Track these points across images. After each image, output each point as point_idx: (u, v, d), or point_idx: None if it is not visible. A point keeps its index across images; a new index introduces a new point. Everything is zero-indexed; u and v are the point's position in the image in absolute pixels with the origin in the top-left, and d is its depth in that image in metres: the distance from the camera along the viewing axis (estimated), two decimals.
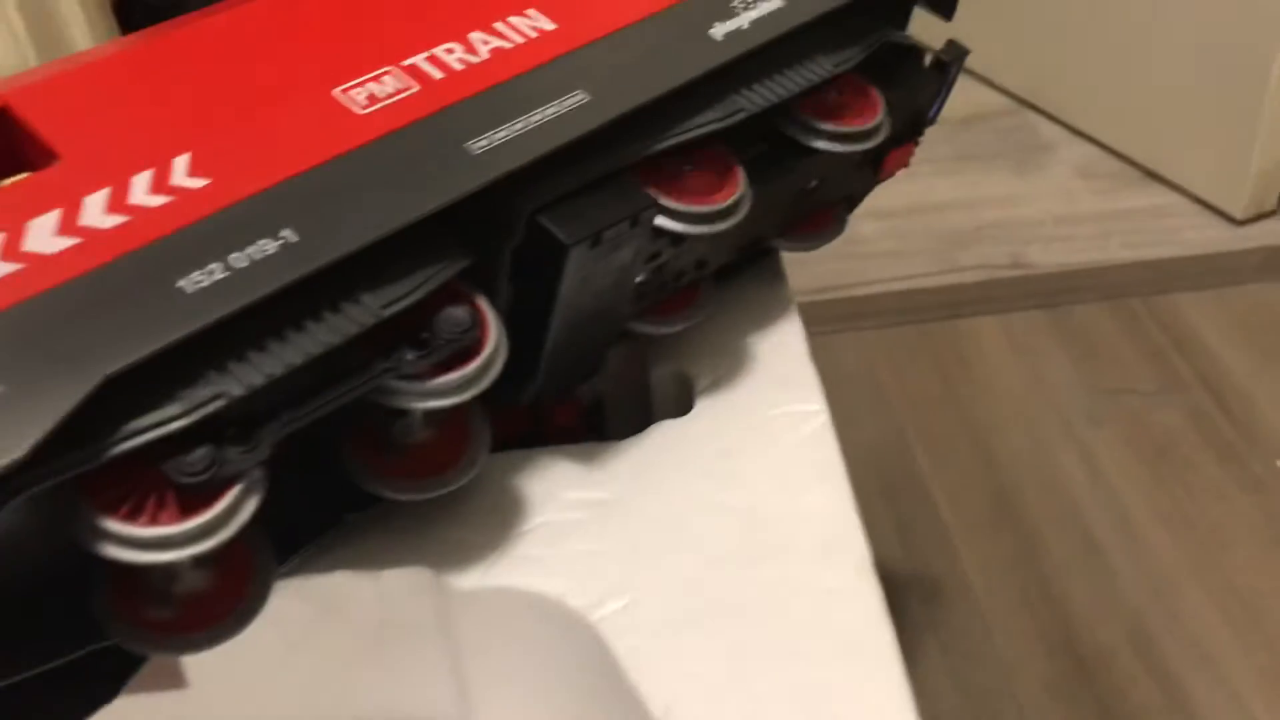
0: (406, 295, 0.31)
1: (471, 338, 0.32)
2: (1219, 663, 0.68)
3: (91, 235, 0.29)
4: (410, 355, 0.31)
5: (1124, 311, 0.96)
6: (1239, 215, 1.05)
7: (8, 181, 0.31)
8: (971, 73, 1.28)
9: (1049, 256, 1.03)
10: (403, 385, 0.32)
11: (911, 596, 0.73)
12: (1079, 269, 1.01)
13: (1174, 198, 1.09)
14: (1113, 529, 0.77)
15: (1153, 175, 1.11)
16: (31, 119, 0.32)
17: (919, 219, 1.09)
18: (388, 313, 0.30)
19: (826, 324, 0.96)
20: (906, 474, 0.82)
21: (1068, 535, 0.76)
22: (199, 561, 0.32)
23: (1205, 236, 1.05)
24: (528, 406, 0.46)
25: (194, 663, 0.38)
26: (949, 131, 1.21)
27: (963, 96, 1.28)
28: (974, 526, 0.78)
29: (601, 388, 0.46)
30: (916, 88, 0.45)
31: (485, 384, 0.33)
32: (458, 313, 0.32)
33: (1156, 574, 0.74)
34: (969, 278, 1.01)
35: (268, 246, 0.30)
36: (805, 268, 1.03)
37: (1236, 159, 1.04)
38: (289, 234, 0.30)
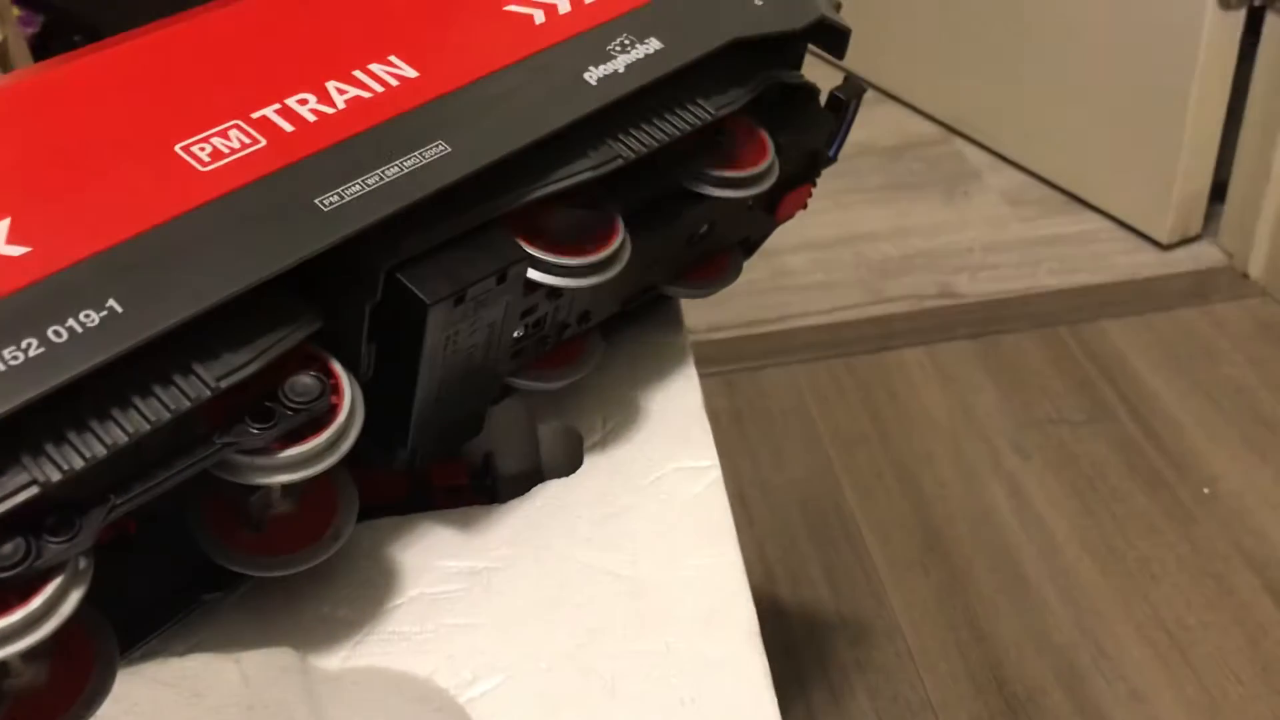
0: (245, 365, 0.29)
1: (321, 406, 0.30)
2: (1148, 700, 0.68)
3: None
4: (254, 428, 0.29)
5: (1052, 340, 0.96)
6: (1165, 240, 1.06)
7: None
8: (901, 101, 1.28)
9: (977, 285, 1.03)
10: (247, 460, 0.30)
11: (838, 639, 0.72)
12: (1007, 297, 1.01)
13: (1101, 223, 1.09)
14: (1041, 563, 0.76)
15: (1079, 201, 1.12)
16: None
17: (848, 249, 1.08)
18: (224, 385, 0.28)
19: (754, 359, 0.95)
20: (834, 512, 0.81)
21: (996, 570, 0.75)
22: (28, 656, 0.29)
23: (1132, 261, 1.05)
24: (404, 471, 0.44)
25: None
26: (878, 161, 1.21)
27: (892, 126, 1.28)
28: (902, 564, 0.76)
29: (489, 445, 0.45)
30: (809, 128, 0.44)
31: (339, 455, 0.31)
32: (305, 380, 0.30)
33: (1086, 608, 0.73)
34: (897, 308, 1.01)
35: (90, 318, 0.27)
36: (732, 301, 1.02)
37: (1161, 184, 1.05)
38: (114, 304, 0.28)
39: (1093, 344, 0.95)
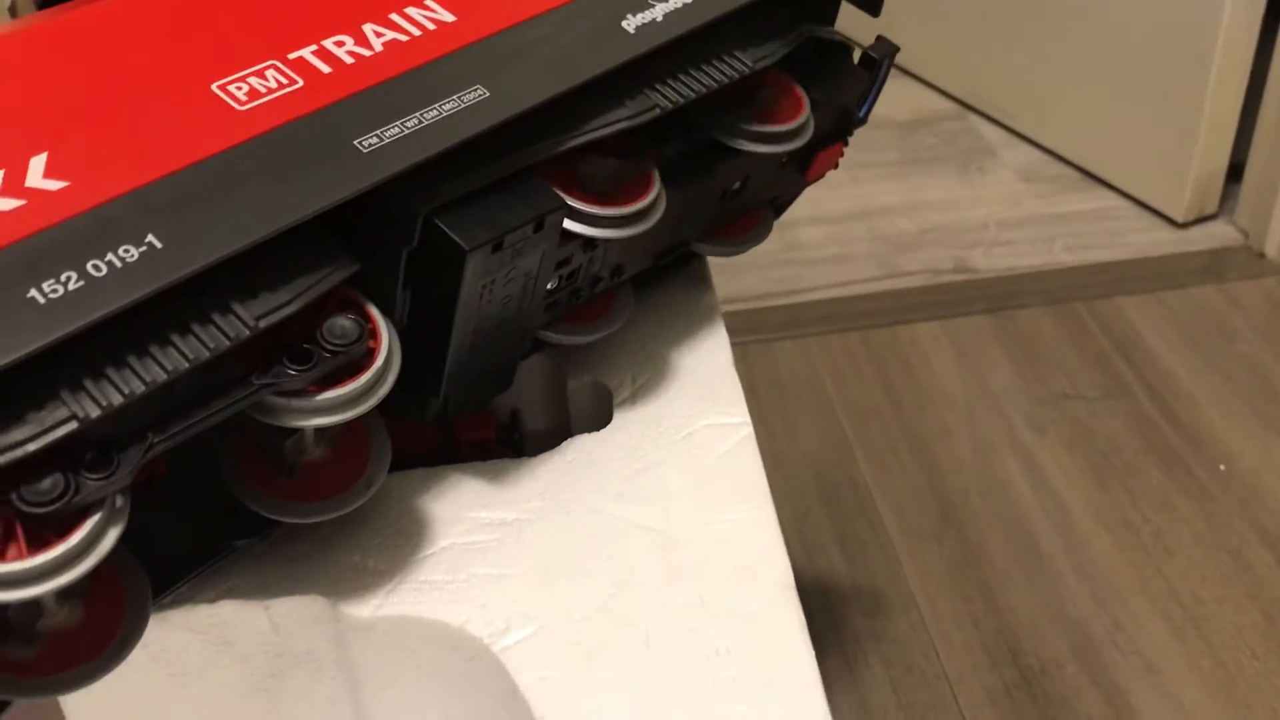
0: (284, 305, 0.28)
1: (360, 349, 0.30)
2: (1163, 673, 0.67)
3: None
4: (291, 370, 0.29)
5: (1067, 315, 0.95)
6: (1181, 218, 1.05)
7: None
8: (916, 77, 1.27)
9: (992, 261, 1.02)
10: (284, 402, 0.29)
11: (853, 609, 0.72)
12: (1022, 273, 1.00)
13: (1116, 201, 1.09)
14: (1057, 537, 0.75)
15: (1095, 178, 1.11)
16: None
17: (862, 224, 1.08)
18: (263, 324, 0.28)
19: (768, 331, 0.95)
20: (849, 484, 0.81)
21: (1011, 544, 0.75)
22: (63, 595, 0.29)
23: (1148, 239, 1.04)
24: (437, 423, 0.43)
25: (75, 702, 0.35)
26: (893, 136, 1.20)
27: (907, 101, 1.27)
28: (917, 536, 0.76)
29: (518, 401, 0.44)
30: (843, 85, 0.44)
31: (376, 399, 0.30)
32: (344, 323, 0.30)
33: (1100, 582, 0.72)
34: (912, 283, 1.00)
35: (130, 253, 0.27)
36: (746, 274, 1.01)
37: (1178, 162, 1.04)
38: (154, 239, 0.28)
39: (1108, 320, 0.94)
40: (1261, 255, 1.02)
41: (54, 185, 0.28)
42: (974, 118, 1.21)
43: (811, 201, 1.11)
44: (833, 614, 0.71)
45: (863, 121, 0.48)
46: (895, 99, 1.25)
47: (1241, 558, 0.74)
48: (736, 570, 0.34)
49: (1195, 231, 1.05)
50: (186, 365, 0.27)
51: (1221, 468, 0.80)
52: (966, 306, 0.97)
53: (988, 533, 0.76)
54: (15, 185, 0.28)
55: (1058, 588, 0.72)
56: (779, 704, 0.30)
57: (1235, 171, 1.05)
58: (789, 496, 0.78)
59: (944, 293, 0.99)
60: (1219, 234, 1.04)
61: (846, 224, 1.08)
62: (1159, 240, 1.04)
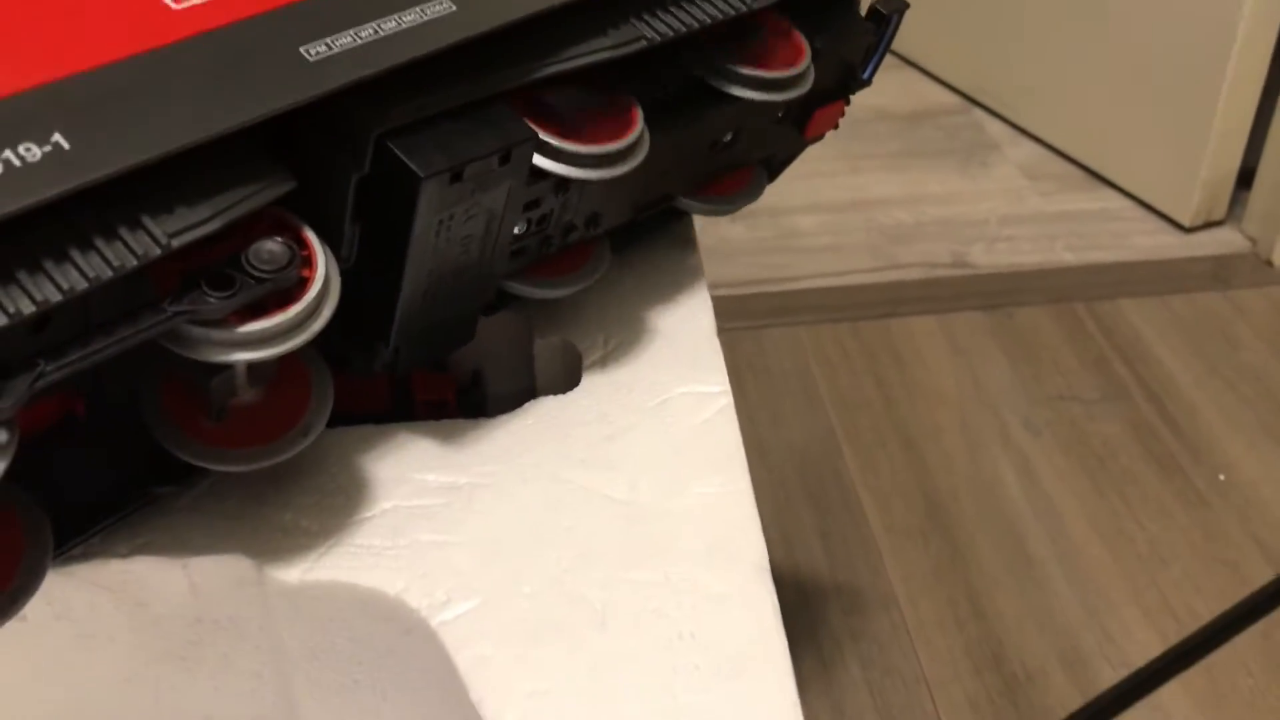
0: (203, 223, 0.25)
1: (290, 277, 0.27)
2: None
3: None
4: (211, 296, 0.26)
5: (1067, 316, 0.92)
6: (1187, 223, 1.02)
7: None
8: (920, 69, 1.24)
9: (992, 257, 0.99)
10: (203, 332, 0.26)
11: (832, 607, 0.69)
12: (1022, 270, 0.98)
13: (1122, 202, 1.06)
14: (1048, 541, 0.72)
15: (1100, 178, 1.08)
16: None
17: (860, 214, 1.05)
18: (177, 243, 0.25)
19: (757, 318, 0.92)
20: (833, 477, 0.78)
21: (1000, 547, 0.72)
22: None
23: (1153, 242, 1.01)
24: (388, 380, 0.40)
25: None
26: (895, 127, 1.17)
27: (910, 93, 1.24)
28: (902, 535, 0.73)
29: (479, 361, 0.41)
30: (848, 38, 0.41)
31: (308, 335, 0.27)
32: (272, 246, 0.27)
33: (1092, 590, 0.69)
34: (908, 275, 0.97)
35: (31, 152, 0.24)
36: (737, 260, 0.98)
37: (1187, 166, 1.01)
38: (60, 139, 0.24)
39: (1109, 322, 0.91)
40: (1269, 263, 0.99)
41: None
42: (978, 112, 1.18)
43: (808, 190, 1.09)
44: (810, 610, 0.68)
45: (867, 83, 0.45)
46: (898, 91, 1.22)
47: (1239, 571, 0.71)
48: (707, 548, 0.31)
49: (1202, 236, 1.02)
50: (85, 284, 0.24)
51: (1221, 477, 0.77)
52: (963, 302, 0.94)
53: (976, 534, 0.73)
54: None
55: (1047, 594, 0.69)
56: (746, 695, 0.27)
57: (1245, 178, 1.02)
58: (770, 487, 0.75)
59: (940, 287, 0.96)
60: (1226, 240, 1.02)
61: (843, 213, 1.05)
62: (1164, 244, 1.01)
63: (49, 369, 0.24)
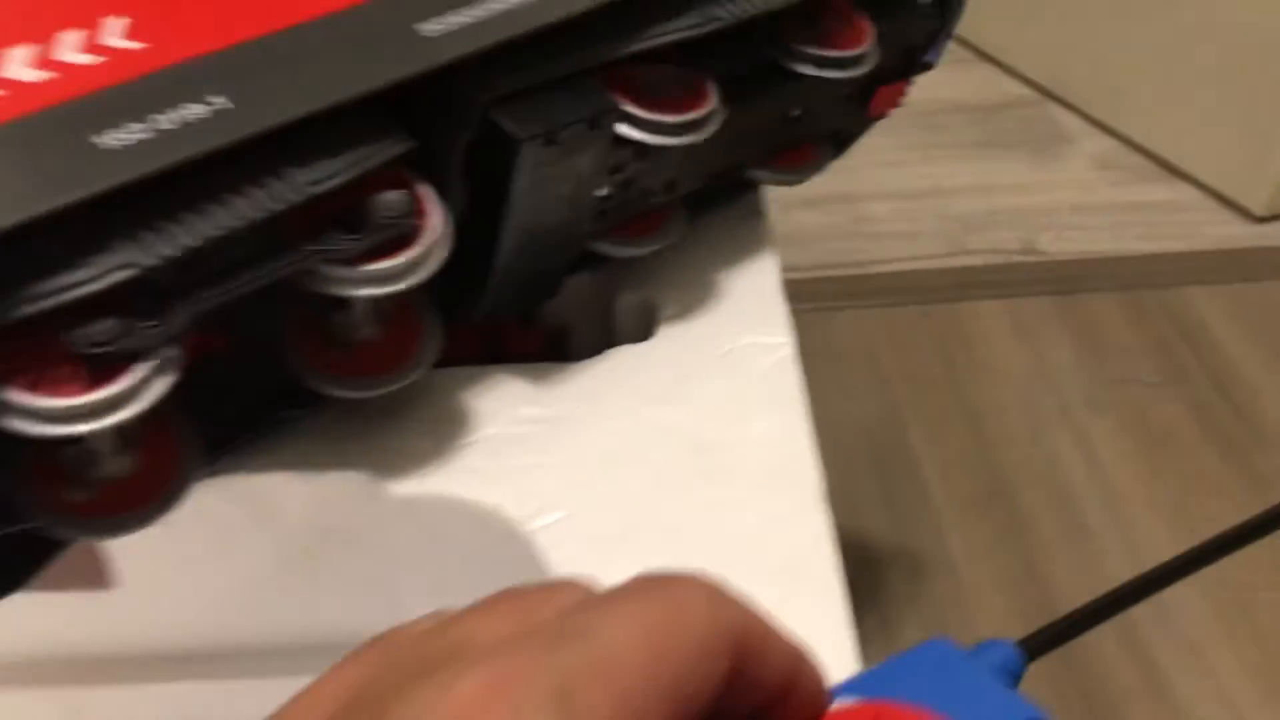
0: (337, 175, 0.29)
1: (408, 224, 0.31)
2: (1206, 655, 0.67)
3: (12, 88, 0.28)
4: (342, 238, 0.30)
5: (1133, 302, 0.94)
6: (1259, 212, 1.03)
7: None
8: (995, 62, 1.26)
9: (1061, 245, 1.01)
10: (334, 270, 0.31)
11: (894, 571, 0.72)
12: (1090, 258, 0.99)
13: (1193, 193, 1.07)
14: (1104, 514, 0.75)
15: (1173, 170, 1.09)
16: None
17: (932, 202, 1.07)
18: (315, 190, 0.29)
19: (828, 300, 0.95)
20: (899, 451, 0.81)
21: (1058, 518, 0.75)
22: (119, 443, 0.31)
23: (1223, 233, 1.03)
24: (484, 331, 0.44)
25: (119, 562, 0.37)
26: (969, 119, 1.19)
27: (985, 85, 1.26)
28: (963, 505, 0.76)
29: (565, 316, 0.45)
30: (911, 22, 0.44)
31: (423, 274, 0.31)
32: (393, 197, 0.31)
33: (1147, 561, 0.71)
34: (978, 261, 1.00)
35: (197, 111, 0.28)
36: (811, 244, 1.01)
37: (1259, 156, 1.02)
38: (221, 100, 0.29)
39: (1175, 309, 0.93)
40: None
41: (132, 45, 0.29)
42: (1052, 105, 1.20)
43: (882, 178, 1.11)
44: (873, 574, 0.71)
45: (930, 66, 0.48)
46: (973, 83, 1.24)
47: None
48: (767, 474, 0.34)
49: (1273, 227, 1.03)
50: (239, 225, 0.28)
51: None
52: (1031, 287, 0.96)
53: (1035, 505, 0.76)
54: (94, 42, 0.29)
55: (1102, 563, 0.72)
56: (800, 596, 0.31)
57: None
58: (837, 458, 0.78)
59: (1009, 273, 0.98)
60: None
61: (916, 201, 1.07)
62: (1235, 234, 1.03)
63: (208, 295, 0.29)
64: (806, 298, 0.94)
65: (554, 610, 0.19)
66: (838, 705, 0.22)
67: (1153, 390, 0.85)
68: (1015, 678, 0.27)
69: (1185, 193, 1.07)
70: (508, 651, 0.17)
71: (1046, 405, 0.84)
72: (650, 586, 0.19)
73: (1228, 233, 1.03)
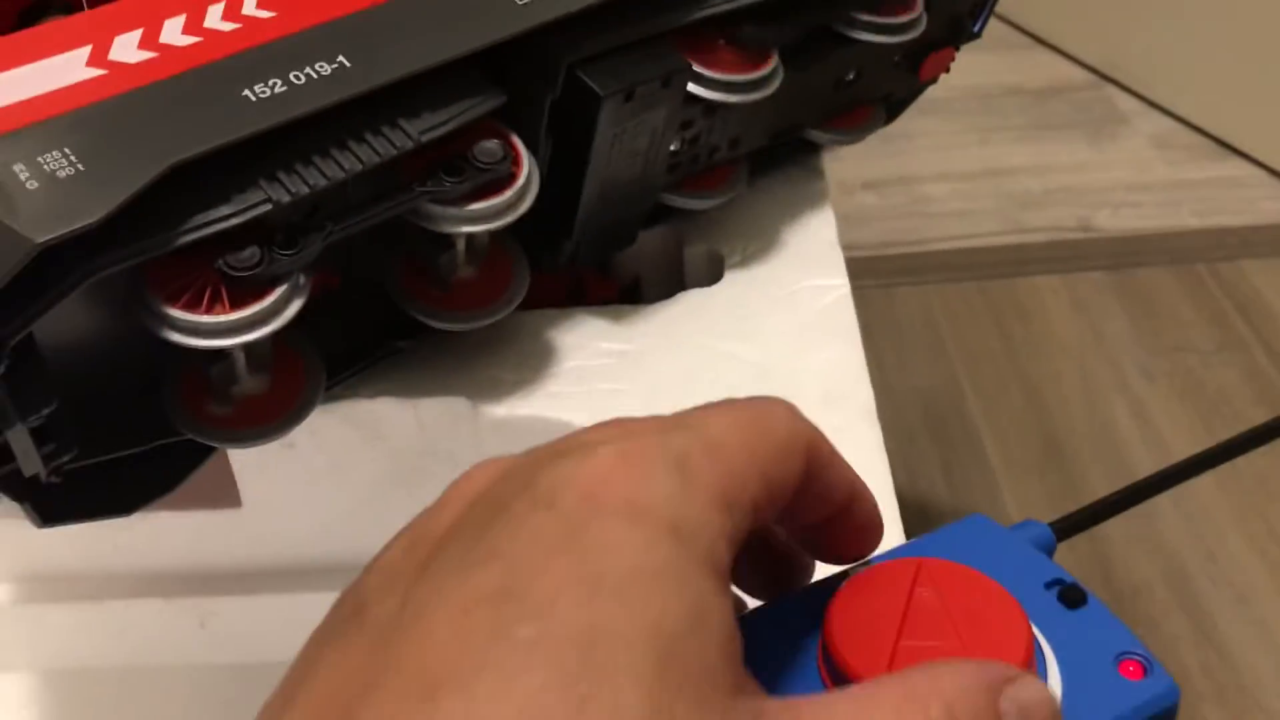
0: (443, 124, 0.34)
1: (504, 169, 0.35)
2: (1253, 602, 0.69)
3: (168, 51, 0.32)
4: (447, 181, 0.34)
5: (1189, 275, 0.96)
6: None
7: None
8: (1052, 46, 1.29)
9: (1117, 222, 1.04)
10: (441, 210, 0.35)
11: None
12: (1146, 234, 1.02)
13: (1249, 169, 1.09)
14: None
15: (1229, 148, 1.11)
16: None
17: (989, 182, 1.10)
18: (424, 139, 0.33)
19: (888, 276, 0.98)
20: (957, 417, 0.84)
21: (1112, 478, 0.77)
22: (253, 364, 0.35)
23: (1278, 207, 1.04)
24: (566, 280, 0.48)
25: (248, 486, 0.41)
26: (1025, 102, 1.22)
27: (1042, 69, 1.28)
28: (1019, 468, 0.79)
29: (640, 265, 0.49)
30: None
31: (518, 213, 0.35)
32: (491, 145, 0.35)
33: (1199, 518, 0.74)
34: (1035, 238, 1.02)
35: (324, 68, 0.33)
36: (870, 224, 1.05)
37: None
38: (343, 60, 0.33)
39: (1230, 281, 0.95)
40: None
41: (265, 14, 0.34)
42: (1110, 88, 1.22)
43: (939, 160, 1.14)
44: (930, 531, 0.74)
45: (976, 35, 0.51)
46: (1029, 67, 1.26)
47: None
48: (825, 394, 0.38)
49: None
50: (361, 167, 0.33)
51: None
52: (1087, 262, 0.99)
53: (1090, 467, 0.78)
54: (235, 12, 0.34)
55: (1155, 520, 0.74)
56: None
57: None
58: (896, 425, 0.82)
59: (1066, 249, 1.01)
60: None
61: (973, 181, 1.10)
62: None
63: (335, 229, 0.33)
64: (865, 274, 0.98)
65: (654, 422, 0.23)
66: (884, 559, 0.26)
67: (1206, 358, 0.87)
68: (1048, 554, 0.30)
69: (1241, 169, 1.09)
70: (633, 435, 0.21)
71: (1102, 374, 0.86)
72: (741, 400, 0.23)
73: None
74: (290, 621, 0.45)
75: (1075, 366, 0.87)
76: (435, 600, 0.19)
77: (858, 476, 0.24)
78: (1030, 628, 0.24)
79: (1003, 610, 0.24)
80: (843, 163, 0.86)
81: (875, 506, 0.24)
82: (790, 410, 0.23)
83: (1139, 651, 0.25)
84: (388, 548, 0.21)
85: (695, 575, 0.19)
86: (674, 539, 0.19)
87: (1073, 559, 0.72)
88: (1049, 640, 0.25)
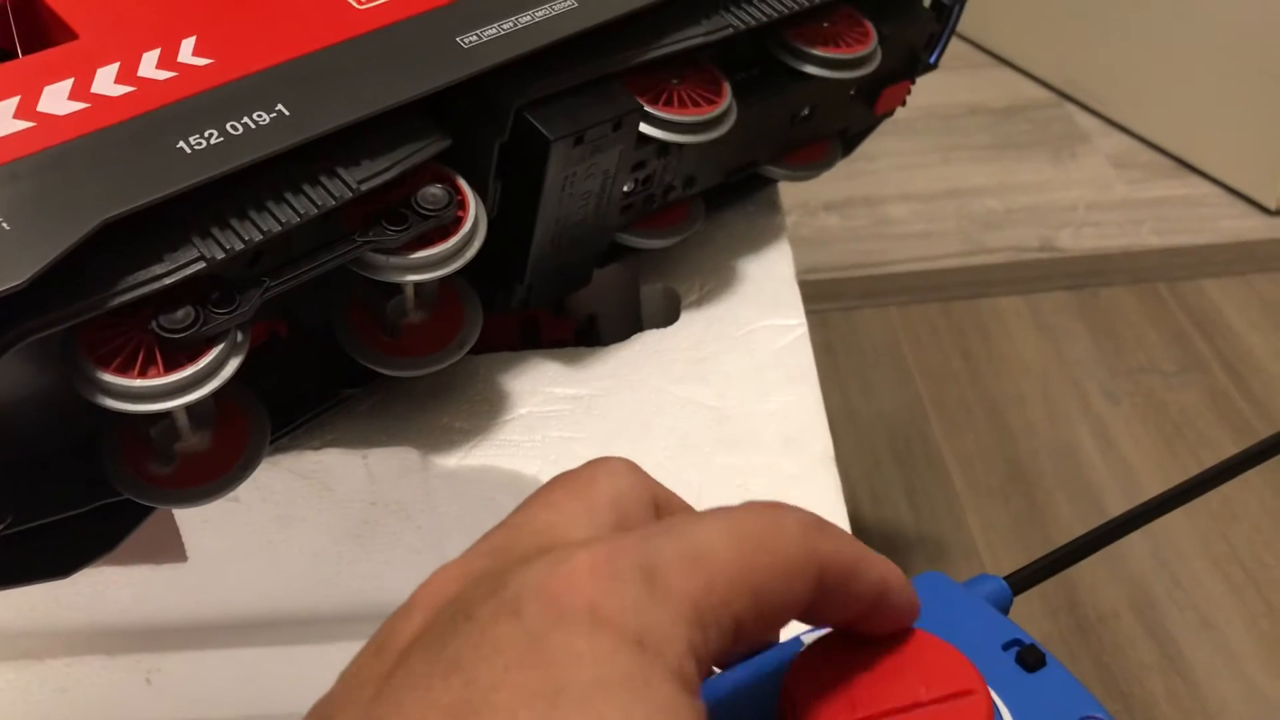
0: (383, 171, 0.33)
1: (449, 214, 0.34)
2: (1219, 628, 0.69)
3: (100, 101, 0.31)
4: (389, 229, 0.33)
5: (1150, 295, 0.96)
6: (1272, 206, 1.05)
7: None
8: (1012, 65, 1.29)
9: (1079, 241, 1.04)
10: (384, 259, 0.34)
11: (916, 556, 0.74)
12: (1108, 253, 1.02)
13: (1208, 188, 1.09)
14: (1122, 498, 0.77)
15: (1188, 166, 1.11)
16: (54, 3, 0.34)
17: (951, 202, 1.10)
18: (363, 188, 0.32)
19: (850, 299, 0.97)
20: (921, 442, 0.83)
21: (1076, 503, 0.77)
22: (195, 421, 0.34)
23: (1238, 225, 1.05)
24: (520, 321, 0.48)
25: (192, 539, 0.40)
26: (987, 121, 1.22)
27: (1003, 88, 1.28)
28: (984, 492, 0.78)
29: (595, 305, 0.48)
30: (912, 25, 0.47)
31: (464, 260, 0.35)
32: (435, 190, 0.34)
33: (1163, 542, 0.74)
34: (997, 259, 1.02)
35: (262, 118, 0.32)
36: (830, 246, 1.04)
37: (1272, 151, 1.04)
38: (282, 108, 0.32)
39: (1191, 300, 0.95)
40: None
41: (201, 61, 0.33)
42: (1070, 106, 1.22)
43: (901, 180, 1.14)
44: (896, 559, 0.73)
45: (932, 66, 0.51)
46: (990, 86, 1.26)
47: None
48: (783, 441, 0.37)
49: None
50: (298, 219, 0.32)
51: None
52: (1049, 283, 0.98)
53: (1054, 492, 0.78)
54: (170, 60, 0.33)
55: (1119, 545, 0.73)
56: None
57: None
58: (860, 450, 0.81)
59: (1028, 269, 1.01)
60: None
61: (935, 202, 1.10)
62: (1249, 226, 1.05)
63: (272, 284, 0.32)
64: (828, 297, 0.97)
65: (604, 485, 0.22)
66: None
67: (1168, 379, 0.87)
68: (1004, 610, 0.30)
69: (1200, 188, 1.09)
70: (614, 539, 0.20)
71: (1065, 396, 0.86)
72: (753, 507, 0.21)
73: (1242, 226, 1.05)
74: (238, 677, 0.44)
75: (1038, 388, 0.87)
76: (394, 715, 0.18)
77: (889, 569, 0.22)
78: (989, 695, 0.23)
79: (961, 677, 0.24)
80: (804, 184, 0.85)
81: (907, 591, 0.23)
82: (805, 526, 0.21)
83: (1100, 715, 0.25)
84: (359, 654, 0.21)
85: (659, 685, 0.18)
86: (637, 649, 0.18)
87: (1037, 587, 0.72)
88: (1008, 706, 0.25)
